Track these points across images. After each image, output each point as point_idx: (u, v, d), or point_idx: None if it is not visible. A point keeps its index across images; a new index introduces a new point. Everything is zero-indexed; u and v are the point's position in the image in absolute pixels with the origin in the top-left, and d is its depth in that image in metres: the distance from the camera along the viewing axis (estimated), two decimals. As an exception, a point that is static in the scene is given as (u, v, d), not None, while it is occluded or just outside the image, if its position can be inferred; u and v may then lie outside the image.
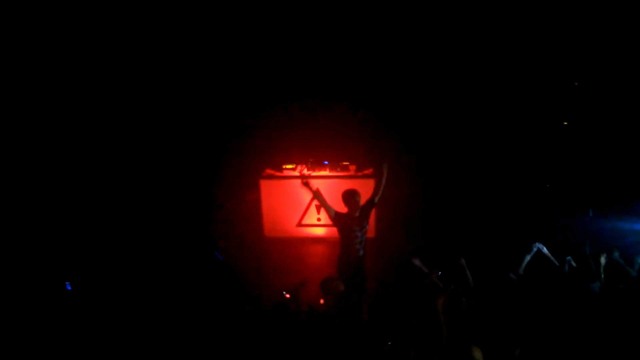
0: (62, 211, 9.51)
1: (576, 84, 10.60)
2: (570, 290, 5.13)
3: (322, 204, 6.50)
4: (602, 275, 5.33)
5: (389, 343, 4.46)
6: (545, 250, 5.58)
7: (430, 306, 4.63)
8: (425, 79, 10.63)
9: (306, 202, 9.31)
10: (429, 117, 10.72)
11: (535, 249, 5.61)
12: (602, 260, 5.47)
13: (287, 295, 5.74)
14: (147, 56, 10.61)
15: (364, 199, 6.42)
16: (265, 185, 9.33)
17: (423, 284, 5.45)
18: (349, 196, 6.38)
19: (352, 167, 9.46)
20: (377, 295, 5.85)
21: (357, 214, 6.34)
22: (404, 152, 10.46)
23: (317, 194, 6.54)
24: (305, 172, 9.37)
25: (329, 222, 9.05)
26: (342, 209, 6.42)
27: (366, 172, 9.38)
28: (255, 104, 10.81)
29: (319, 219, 9.33)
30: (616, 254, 5.64)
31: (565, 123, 10.67)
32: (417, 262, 5.64)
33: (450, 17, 10.27)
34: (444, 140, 10.67)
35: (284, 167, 9.50)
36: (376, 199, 6.48)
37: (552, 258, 5.58)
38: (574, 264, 5.54)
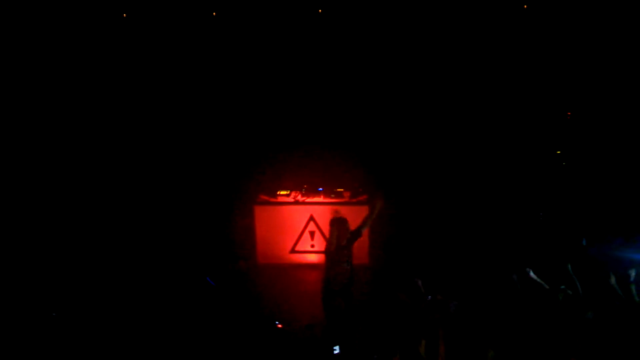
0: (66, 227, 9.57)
1: (569, 113, 10.71)
2: (565, 317, 5.12)
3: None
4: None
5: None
6: (533, 275, 5.57)
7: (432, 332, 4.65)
8: (419, 108, 10.74)
9: (300, 229, 9.29)
10: (423, 143, 10.78)
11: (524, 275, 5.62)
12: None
13: (279, 325, 5.73)
14: (151, 86, 10.77)
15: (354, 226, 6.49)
16: (260, 211, 9.32)
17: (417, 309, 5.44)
18: (342, 222, 6.44)
19: (347, 194, 9.47)
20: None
21: (345, 243, 6.39)
22: (399, 178, 10.52)
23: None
24: (300, 198, 9.38)
25: (322, 248, 9.13)
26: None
27: (360, 198, 9.39)
28: (251, 130, 10.89)
29: (312, 245, 9.30)
30: (612, 280, 5.64)
31: (559, 152, 10.74)
32: (403, 295, 5.66)
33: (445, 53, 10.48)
34: (438, 166, 10.70)
35: (278, 193, 9.51)
36: (362, 231, 6.53)
37: (542, 282, 5.57)
38: (569, 292, 5.53)
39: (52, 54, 10.30)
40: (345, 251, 6.38)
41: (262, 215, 9.31)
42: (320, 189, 9.53)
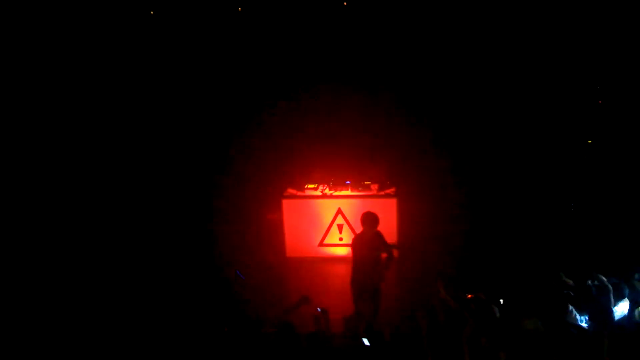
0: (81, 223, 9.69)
1: (600, 102, 10.50)
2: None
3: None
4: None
5: None
6: (603, 277, 5.48)
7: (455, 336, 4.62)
8: (447, 98, 10.65)
9: (328, 222, 9.31)
10: (453, 135, 10.70)
11: None
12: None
13: (319, 312, 5.76)
14: (170, 79, 10.85)
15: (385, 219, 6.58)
16: (287, 205, 9.37)
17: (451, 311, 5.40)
18: (368, 220, 6.55)
19: (374, 187, 9.45)
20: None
21: (369, 236, 6.51)
22: (430, 171, 10.47)
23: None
24: (327, 191, 9.39)
25: (351, 242, 9.13)
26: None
27: (388, 191, 9.36)
28: (278, 122, 10.93)
29: (340, 239, 9.31)
30: (637, 276, 5.56)
31: (590, 141, 10.55)
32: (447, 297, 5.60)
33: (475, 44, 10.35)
34: (468, 160, 10.61)
35: (305, 186, 9.53)
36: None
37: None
38: (609, 287, 5.43)
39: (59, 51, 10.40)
40: (367, 243, 6.56)
41: (290, 209, 9.35)
42: (348, 182, 9.52)
